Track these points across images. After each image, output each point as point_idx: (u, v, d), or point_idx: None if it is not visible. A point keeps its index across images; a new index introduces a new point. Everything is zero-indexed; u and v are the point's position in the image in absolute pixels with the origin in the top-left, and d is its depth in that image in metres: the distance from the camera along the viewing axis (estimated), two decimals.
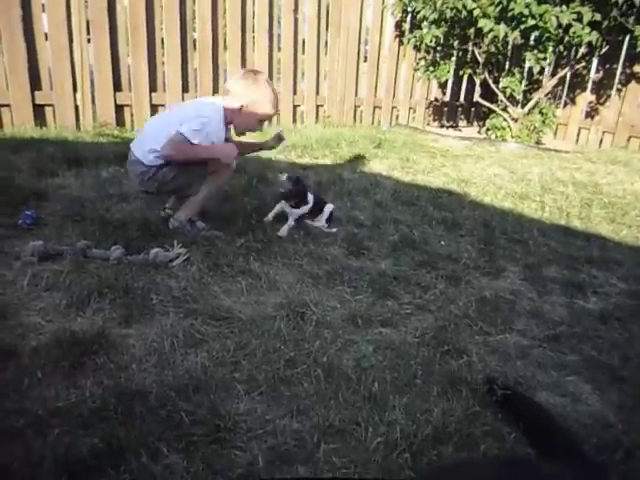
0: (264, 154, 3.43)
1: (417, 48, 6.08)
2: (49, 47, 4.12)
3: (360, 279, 2.07)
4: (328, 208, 2.63)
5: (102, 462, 1.11)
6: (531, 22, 4.95)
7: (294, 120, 5.62)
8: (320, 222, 2.60)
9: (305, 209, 2.55)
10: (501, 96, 5.93)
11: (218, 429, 1.25)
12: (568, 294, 2.21)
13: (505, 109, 6.00)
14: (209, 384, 1.40)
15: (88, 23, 4.20)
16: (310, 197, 2.57)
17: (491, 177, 3.99)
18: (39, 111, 4.16)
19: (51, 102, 4.20)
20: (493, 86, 5.96)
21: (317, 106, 5.80)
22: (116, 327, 1.61)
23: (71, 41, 4.16)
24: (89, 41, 4.27)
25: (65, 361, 1.41)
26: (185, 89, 4.79)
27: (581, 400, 1.55)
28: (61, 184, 2.87)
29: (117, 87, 4.47)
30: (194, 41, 4.82)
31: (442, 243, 2.54)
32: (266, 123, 3.16)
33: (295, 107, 5.63)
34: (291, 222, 2.51)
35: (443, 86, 6.65)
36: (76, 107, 4.30)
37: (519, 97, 5.97)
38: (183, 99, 4.75)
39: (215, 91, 4.99)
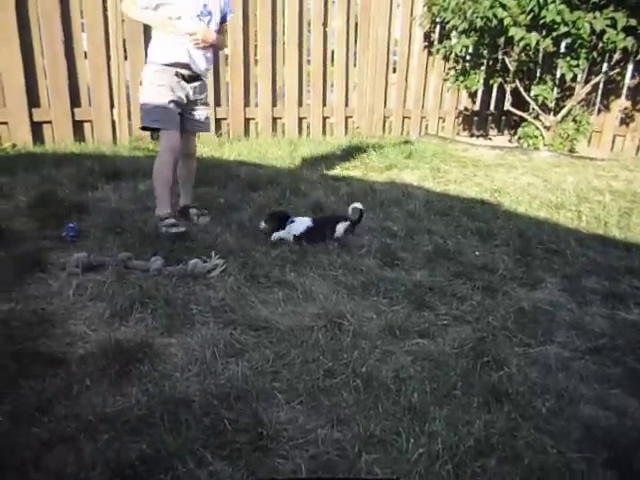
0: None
1: (446, 58, 6.07)
2: (88, 66, 4.27)
3: (395, 290, 2.07)
4: (342, 225, 2.53)
5: (151, 468, 1.14)
6: (563, 29, 4.90)
7: (324, 132, 5.67)
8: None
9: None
10: (533, 104, 5.86)
11: (260, 437, 1.27)
12: (609, 305, 2.17)
13: (537, 117, 5.92)
14: (250, 393, 1.42)
15: (124, 42, 4.35)
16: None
17: (525, 186, 3.94)
18: (78, 127, 4.30)
19: (89, 118, 4.35)
20: (524, 94, 5.89)
21: (346, 117, 5.84)
22: (159, 336, 1.65)
23: (109, 59, 4.30)
24: (126, 58, 4.41)
25: (111, 369, 1.46)
26: (217, 103, 4.89)
27: (627, 414, 1.51)
28: (101, 197, 2.96)
29: None
30: (226, 57, 4.93)
31: (477, 254, 2.51)
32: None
33: (325, 119, 5.68)
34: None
35: (473, 95, 6.61)
36: (113, 122, 4.44)
37: (551, 105, 5.88)
38: (215, 113, 4.85)
39: (247, 104, 5.09)
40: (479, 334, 1.84)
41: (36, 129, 4.10)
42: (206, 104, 2.68)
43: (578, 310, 2.11)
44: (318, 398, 1.44)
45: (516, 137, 6.19)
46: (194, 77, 2.51)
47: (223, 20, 2.59)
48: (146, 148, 4.32)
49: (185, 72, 2.46)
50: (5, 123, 3.97)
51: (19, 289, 1.88)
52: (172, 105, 2.46)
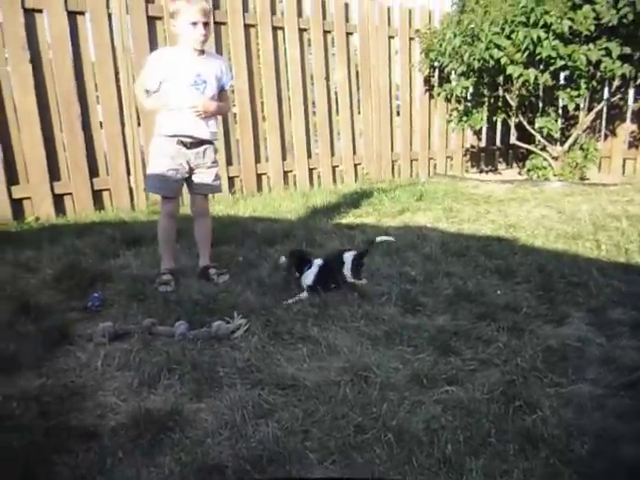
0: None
1: (448, 100, 6.22)
2: (104, 135, 4.46)
3: (419, 337, 2.06)
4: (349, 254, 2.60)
5: None
6: (560, 63, 5.03)
7: (334, 181, 5.78)
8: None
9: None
10: (538, 136, 5.93)
11: None
12: (639, 336, 2.12)
13: (544, 149, 5.98)
14: (282, 455, 1.41)
15: (137, 110, 4.54)
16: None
17: (539, 219, 3.94)
18: (97, 196, 4.45)
19: (108, 187, 4.50)
20: (529, 127, 5.98)
21: (355, 165, 5.96)
22: (188, 402, 1.66)
23: (123, 126, 4.49)
24: (139, 124, 4.59)
25: (143, 439, 1.46)
26: (229, 162, 5.04)
27: None
28: (122, 264, 3.03)
29: None
30: (234, 114, 5.11)
31: (499, 293, 2.50)
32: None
33: (334, 168, 5.80)
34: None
35: (478, 132, 6.72)
36: (130, 189, 4.59)
37: (557, 135, 5.95)
38: (227, 172, 4.99)
39: (257, 160, 5.23)
40: (508, 377, 1.81)
41: (58, 201, 4.26)
42: (213, 166, 2.78)
43: (607, 344, 2.07)
44: (351, 455, 1.42)
45: (525, 169, 6.25)
46: (197, 143, 2.65)
47: (222, 87, 2.73)
48: None
49: (187, 140, 2.62)
50: (29, 198, 4.13)
51: (49, 363, 1.91)
52: (171, 173, 2.64)
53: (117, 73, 4.42)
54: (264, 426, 1.54)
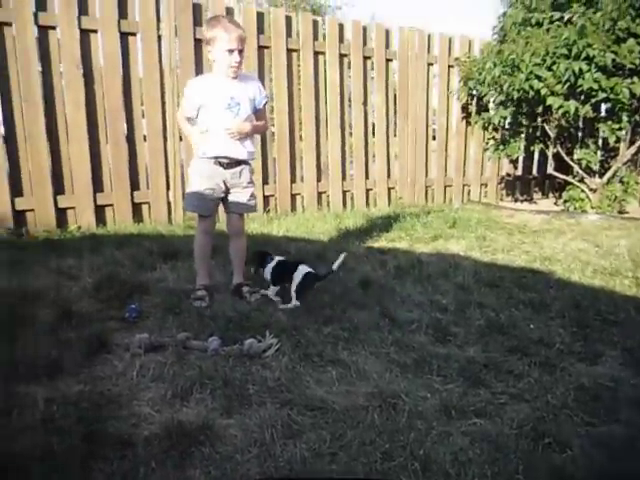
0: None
1: (485, 128, 6.22)
2: (147, 150, 4.62)
3: (449, 367, 2.06)
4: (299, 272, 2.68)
5: None
6: (602, 95, 4.98)
7: (367, 203, 5.83)
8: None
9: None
10: (577, 168, 5.86)
11: None
12: None
13: (582, 180, 5.90)
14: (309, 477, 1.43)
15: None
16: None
17: (575, 252, 3.88)
18: (137, 209, 4.60)
19: (147, 200, 4.65)
20: (567, 158, 5.92)
21: (389, 188, 6.00)
22: (218, 417, 1.70)
23: (165, 140, 4.64)
24: (181, 139, 4.74)
25: (175, 451, 1.51)
26: (265, 181, 5.15)
27: None
28: (159, 277, 3.12)
29: None
30: (272, 133, 5.23)
31: (532, 327, 2.47)
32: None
33: (367, 190, 5.85)
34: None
35: (514, 161, 6.68)
36: (168, 203, 4.72)
37: (596, 167, 5.87)
38: (263, 191, 5.10)
39: (293, 181, 5.33)
40: (538, 413, 1.79)
41: (99, 212, 4.42)
42: (248, 186, 2.86)
43: None
44: None
45: (562, 200, 6.16)
46: (233, 164, 2.74)
47: (258, 107, 2.80)
48: None
49: (224, 161, 2.72)
50: (73, 208, 4.30)
51: (87, 370, 1.99)
52: (208, 192, 2.73)
53: (163, 91, 4.60)
54: (292, 446, 1.56)
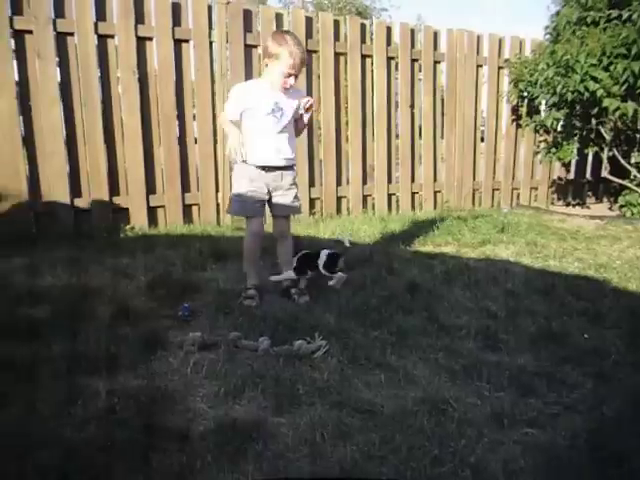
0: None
1: (536, 130, 6.07)
2: (197, 153, 4.75)
3: (499, 375, 2.03)
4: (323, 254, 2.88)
5: None
6: None
7: (413, 207, 5.79)
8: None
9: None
10: (634, 171, 5.63)
11: None
12: None
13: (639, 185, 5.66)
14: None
15: None
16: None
17: (633, 260, 3.73)
18: (187, 210, 4.74)
19: (197, 202, 4.78)
20: (623, 162, 5.70)
21: (435, 192, 5.94)
22: (270, 416, 1.74)
23: (215, 143, 4.76)
24: None
25: (229, 446, 1.56)
26: (312, 183, 5.20)
27: None
28: (209, 277, 3.21)
29: None
30: (319, 135, 5.28)
31: (586, 336, 2.41)
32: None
33: (413, 194, 5.81)
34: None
35: (566, 164, 6.48)
36: (217, 205, 4.84)
37: None
38: (309, 193, 5.15)
39: (339, 183, 5.36)
40: (593, 425, 1.74)
41: (151, 213, 4.58)
42: (291, 188, 2.92)
43: None
44: None
45: (617, 205, 5.93)
46: (274, 168, 2.81)
47: (299, 112, 2.83)
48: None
49: (265, 165, 2.79)
50: (127, 209, 4.47)
51: (144, 366, 2.07)
52: (250, 194, 2.80)
53: (213, 96, 4.72)
54: (342, 447, 1.59)
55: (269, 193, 2.85)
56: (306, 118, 2.88)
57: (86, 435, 1.61)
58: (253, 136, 2.76)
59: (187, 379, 1.99)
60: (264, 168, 2.78)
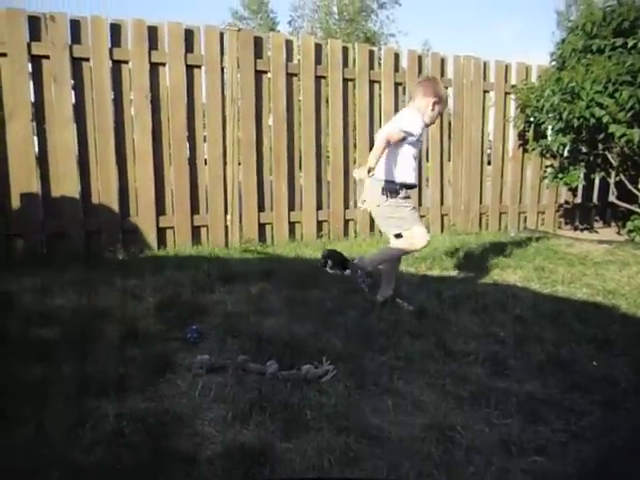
0: None
1: (543, 155, 6.10)
2: (207, 176, 4.81)
3: (507, 401, 2.02)
4: None
5: None
6: None
7: None
8: None
9: None
10: None
11: None
12: None
13: None
14: None
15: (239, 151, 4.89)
16: None
17: None
18: (195, 232, 4.79)
19: (206, 224, 4.83)
20: (631, 187, 5.70)
21: (442, 215, 5.96)
22: (277, 441, 1.74)
23: (225, 165, 4.82)
24: (239, 164, 4.92)
25: (237, 471, 1.56)
26: (319, 206, 5.25)
27: None
28: (218, 299, 3.23)
29: (261, 208, 5.03)
30: (327, 157, 5.34)
31: (594, 364, 2.39)
32: None
33: (420, 217, 5.82)
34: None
35: (574, 188, 6.49)
36: (226, 227, 4.89)
37: None
38: (317, 217, 5.20)
39: (346, 206, 5.40)
40: (602, 454, 1.73)
41: (160, 234, 4.62)
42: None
43: None
44: None
45: (625, 230, 5.92)
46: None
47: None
48: (255, 250, 4.68)
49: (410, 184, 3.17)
50: (137, 229, 4.52)
51: (152, 388, 2.08)
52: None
53: (224, 120, 4.81)
54: (349, 474, 1.58)
55: None
56: None
57: (94, 458, 1.61)
58: (406, 161, 3.08)
59: (195, 402, 1.99)
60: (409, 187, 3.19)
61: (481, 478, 1.58)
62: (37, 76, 4.12)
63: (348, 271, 3.33)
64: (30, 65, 4.11)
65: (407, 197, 3.14)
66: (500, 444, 1.76)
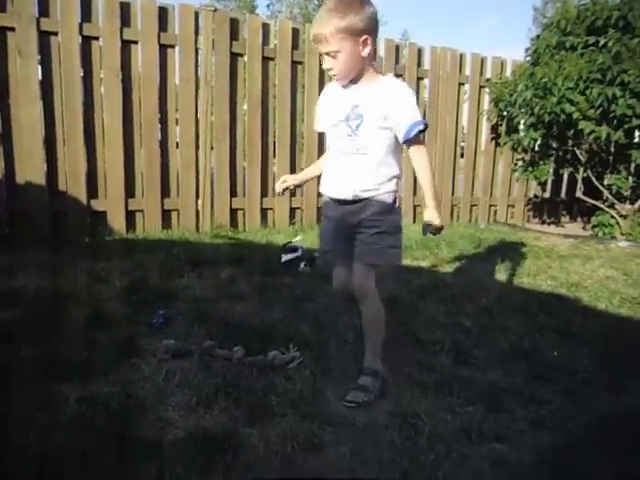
0: None
1: (514, 149, 6.20)
2: (179, 159, 4.72)
3: (470, 390, 2.05)
4: None
5: None
6: (636, 122, 4.93)
7: None
8: None
9: None
10: (606, 193, 5.78)
11: None
12: None
13: (612, 206, 5.80)
14: None
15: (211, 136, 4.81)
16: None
17: (603, 280, 3.82)
18: (166, 215, 4.70)
19: (177, 207, 4.76)
20: (597, 183, 5.85)
21: (414, 206, 6.00)
22: (241, 426, 1.73)
23: (197, 149, 4.75)
24: (212, 148, 4.85)
25: (200, 456, 1.54)
26: (292, 193, 5.22)
27: None
28: (186, 284, 3.19)
29: (233, 193, 4.98)
30: (302, 144, 5.30)
31: (555, 354, 2.45)
32: None
33: None
34: None
35: (543, 183, 6.62)
36: (197, 211, 4.82)
37: (627, 193, 5.78)
38: (290, 204, 5.18)
39: (320, 194, 5.37)
40: (559, 442, 1.78)
41: (129, 217, 4.53)
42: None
43: None
44: None
45: (590, 225, 6.08)
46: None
47: (407, 136, 1.93)
48: (226, 235, 4.64)
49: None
50: (104, 212, 4.42)
51: (116, 373, 2.05)
52: None
53: (197, 102, 4.72)
54: (312, 460, 1.59)
55: None
56: None
57: (54, 442, 1.58)
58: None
59: (159, 387, 1.97)
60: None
61: (442, 464, 1.60)
62: (1, 49, 3.96)
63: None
64: None
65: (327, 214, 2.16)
66: (462, 431, 1.79)
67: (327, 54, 1.88)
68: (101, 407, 1.77)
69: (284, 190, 2.23)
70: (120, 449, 1.55)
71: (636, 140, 5.68)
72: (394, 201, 2.06)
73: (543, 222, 6.71)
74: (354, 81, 1.95)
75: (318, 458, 1.60)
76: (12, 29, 3.95)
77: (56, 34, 4.11)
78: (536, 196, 6.73)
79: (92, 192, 4.37)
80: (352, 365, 2.21)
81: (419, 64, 5.86)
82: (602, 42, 5.08)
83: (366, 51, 1.87)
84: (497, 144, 6.34)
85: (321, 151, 5.29)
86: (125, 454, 1.53)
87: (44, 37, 4.07)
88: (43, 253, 3.58)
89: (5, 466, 1.44)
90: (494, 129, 6.30)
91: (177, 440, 1.64)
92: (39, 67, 4.11)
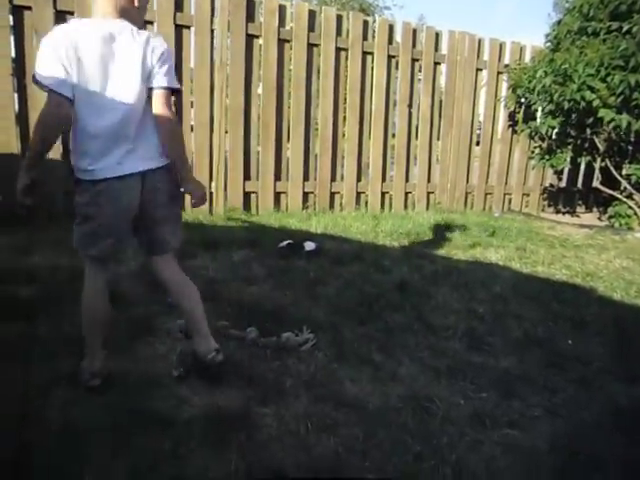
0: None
1: (531, 137, 6.10)
2: (193, 142, 4.71)
3: (483, 376, 2.06)
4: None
5: None
6: None
7: (405, 206, 5.81)
8: None
9: None
10: (625, 183, 5.69)
11: None
12: None
13: (630, 196, 5.71)
14: (342, 471, 1.46)
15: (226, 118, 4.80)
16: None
17: (619, 270, 3.78)
18: None
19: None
20: (615, 173, 5.75)
21: (428, 193, 5.96)
22: (255, 406, 1.75)
23: (212, 132, 4.73)
24: (226, 132, 4.83)
25: (214, 434, 1.56)
26: (306, 177, 5.20)
27: None
28: (200, 265, 3.20)
29: (246, 177, 4.97)
30: (316, 129, 5.27)
31: (570, 342, 2.44)
32: None
33: (407, 193, 5.83)
34: None
35: (559, 172, 6.52)
36: (210, 194, 4.82)
37: None
38: (303, 188, 5.16)
39: (333, 179, 5.36)
40: (572, 429, 1.77)
41: None
42: None
43: None
44: None
45: (606, 216, 5.99)
46: None
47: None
48: (239, 218, 4.64)
49: None
50: None
51: (132, 350, 2.07)
52: None
53: (212, 85, 4.69)
54: (325, 440, 1.60)
55: None
56: None
57: (70, 417, 1.60)
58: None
59: (173, 365, 1.98)
60: None
61: (454, 448, 1.60)
62: (18, 28, 3.95)
63: None
64: (11, 17, 3.94)
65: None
66: (474, 416, 1.80)
67: None
68: (117, 384, 1.79)
69: None
70: (135, 425, 1.57)
71: None
72: None
73: (558, 212, 6.62)
74: None
75: (331, 439, 1.60)
76: (29, 8, 3.94)
77: (72, 14, 4.10)
78: (552, 185, 6.64)
79: None
80: (365, 349, 2.21)
81: (436, 48, 5.77)
82: (626, 28, 4.95)
83: None
84: (514, 132, 6.25)
85: (335, 135, 5.29)
86: (140, 430, 1.56)
87: (60, 17, 4.06)
88: (59, 232, 3.60)
89: (25, 439, 1.47)
90: (511, 116, 6.21)
91: (192, 418, 1.66)
92: None
